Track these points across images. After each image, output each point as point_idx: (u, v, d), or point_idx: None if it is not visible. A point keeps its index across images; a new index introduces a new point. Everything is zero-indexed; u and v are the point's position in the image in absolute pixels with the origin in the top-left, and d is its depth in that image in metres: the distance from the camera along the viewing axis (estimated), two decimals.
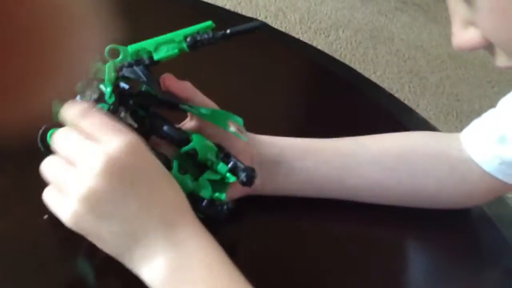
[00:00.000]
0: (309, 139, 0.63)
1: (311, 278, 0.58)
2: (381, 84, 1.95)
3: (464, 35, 0.43)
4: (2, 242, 0.53)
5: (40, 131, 0.54)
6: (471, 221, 0.68)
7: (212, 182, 0.55)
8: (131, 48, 0.54)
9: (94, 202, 0.45)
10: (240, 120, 0.57)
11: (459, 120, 1.91)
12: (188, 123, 0.58)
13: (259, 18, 2.11)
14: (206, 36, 0.53)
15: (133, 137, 0.47)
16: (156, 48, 0.54)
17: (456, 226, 0.67)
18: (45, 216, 0.55)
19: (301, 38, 2.08)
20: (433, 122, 1.86)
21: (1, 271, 0.52)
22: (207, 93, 0.58)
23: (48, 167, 0.49)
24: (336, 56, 2.04)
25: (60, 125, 0.53)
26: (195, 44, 0.53)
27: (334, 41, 2.10)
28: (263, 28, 0.96)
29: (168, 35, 0.54)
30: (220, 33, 0.54)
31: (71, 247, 0.55)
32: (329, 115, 0.79)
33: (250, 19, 1.06)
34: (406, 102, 1.91)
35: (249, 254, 0.58)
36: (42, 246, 0.54)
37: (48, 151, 0.53)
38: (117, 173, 0.45)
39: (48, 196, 0.49)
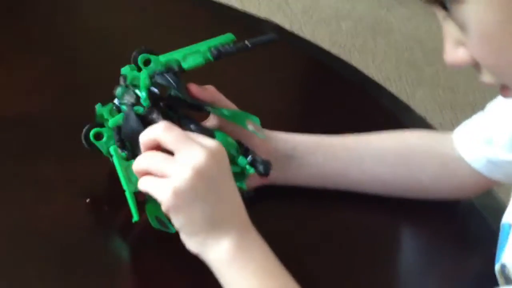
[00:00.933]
0: (318, 136, 0.69)
1: (307, 255, 0.64)
2: (378, 74, 2.03)
3: (455, 54, 0.46)
4: (47, 225, 0.60)
5: (84, 130, 0.60)
6: (460, 211, 0.75)
7: (233, 174, 0.62)
8: (163, 57, 0.61)
9: (194, 183, 0.52)
10: (257, 119, 0.63)
11: (454, 111, 1.94)
12: (210, 122, 0.65)
13: (262, 8, 2.17)
14: (229, 48, 0.61)
15: (216, 148, 0.54)
16: (184, 58, 0.61)
17: (446, 216, 0.73)
18: (87, 200, 0.62)
19: (303, 28, 2.14)
20: (428, 113, 1.94)
21: (47, 252, 0.58)
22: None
23: (144, 163, 0.55)
24: (336, 45, 2.10)
25: (101, 125, 0.60)
26: (219, 55, 0.61)
27: (335, 32, 2.15)
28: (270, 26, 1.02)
29: (194, 46, 0.61)
30: (241, 45, 0.61)
31: (109, 229, 0.62)
32: (332, 112, 0.85)
33: (252, 17, 1.12)
34: (402, 93, 1.99)
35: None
36: (87, 228, 0.61)
37: (90, 147, 0.60)
38: (204, 176, 0.53)
39: (146, 182, 0.54)
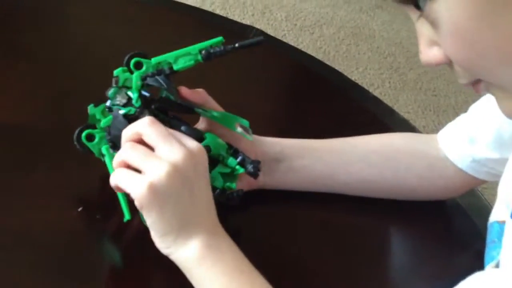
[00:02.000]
0: (306, 140, 0.71)
1: (300, 256, 0.66)
2: (363, 80, 2.06)
3: (429, 53, 0.47)
4: (39, 232, 0.60)
5: (76, 131, 0.61)
6: (446, 210, 0.76)
7: (223, 175, 0.63)
8: (154, 60, 0.62)
9: (170, 181, 0.53)
10: (246, 122, 0.64)
11: (436, 114, 1.97)
12: (200, 125, 0.66)
13: (246, 16, 2.18)
14: (218, 49, 0.62)
15: (196, 149, 0.56)
16: (176, 60, 0.62)
17: (432, 215, 0.74)
18: (80, 209, 0.63)
19: (287, 35, 2.15)
20: (411, 116, 1.97)
21: (41, 258, 0.58)
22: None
23: (123, 154, 0.55)
24: (320, 52, 2.12)
25: (93, 126, 0.61)
26: (208, 56, 0.62)
27: (318, 38, 2.18)
28: (255, 33, 1.04)
29: (185, 49, 0.62)
30: (230, 46, 0.62)
31: (102, 235, 0.63)
32: (318, 116, 0.86)
33: (238, 23, 1.13)
34: (386, 97, 2.02)
35: (252, 237, 0.66)
36: (77, 234, 0.62)
37: (83, 150, 0.61)
38: (181, 176, 0.54)
39: (119, 175, 0.55)
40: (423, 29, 0.46)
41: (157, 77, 0.62)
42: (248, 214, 0.68)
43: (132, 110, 0.61)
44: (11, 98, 0.75)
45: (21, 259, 0.58)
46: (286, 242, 0.67)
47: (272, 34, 2.04)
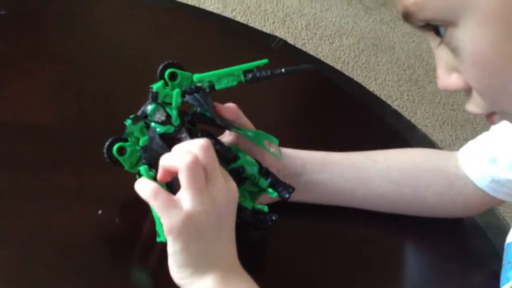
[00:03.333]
0: (326, 153, 0.71)
1: (314, 269, 0.66)
2: (381, 92, 2.05)
3: (448, 79, 0.46)
4: (61, 234, 0.61)
5: (107, 144, 0.59)
6: (463, 228, 0.76)
7: (249, 193, 0.63)
8: (196, 77, 0.61)
9: (201, 220, 0.52)
10: (276, 140, 0.64)
11: (454, 129, 1.96)
12: (227, 137, 0.66)
13: (267, 24, 2.19)
14: (264, 74, 0.61)
15: (233, 189, 0.55)
16: (219, 79, 0.61)
17: (449, 233, 0.74)
18: (100, 212, 0.63)
19: (306, 44, 2.16)
20: (429, 130, 1.96)
21: (59, 258, 0.59)
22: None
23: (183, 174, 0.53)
24: (339, 62, 2.12)
25: (125, 139, 0.60)
26: (253, 79, 0.61)
27: (337, 48, 2.18)
28: (278, 42, 1.04)
29: (229, 69, 0.61)
30: (277, 72, 0.61)
31: (123, 238, 0.63)
32: (338, 128, 0.86)
33: (259, 32, 1.13)
34: (404, 110, 2.01)
35: (265, 250, 0.67)
36: (96, 237, 0.62)
37: (111, 161, 0.60)
38: (216, 213, 0.54)
39: (159, 195, 0.53)
40: (443, 54, 0.46)
41: (196, 95, 0.60)
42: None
43: (171, 129, 0.59)
44: (38, 100, 0.76)
45: (39, 259, 0.59)
46: (301, 255, 0.67)
47: (291, 42, 2.05)
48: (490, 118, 0.48)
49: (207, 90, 0.61)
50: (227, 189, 0.54)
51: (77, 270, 0.59)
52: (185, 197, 0.52)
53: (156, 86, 0.60)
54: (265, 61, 0.62)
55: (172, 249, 0.53)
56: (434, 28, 0.44)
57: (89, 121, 0.73)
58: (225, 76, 0.61)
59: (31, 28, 0.88)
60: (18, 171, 0.66)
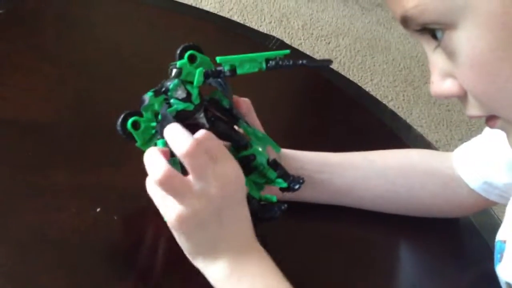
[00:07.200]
0: (325, 154, 0.71)
1: (311, 268, 0.66)
2: (376, 92, 2.06)
3: (442, 85, 0.46)
4: (58, 232, 0.61)
5: (121, 117, 0.57)
6: (458, 227, 0.76)
7: (255, 184, 0.62)
8: (219, 59, 0.59)
9: (197, 212, 0.52)
10: (279, 149, 0.64)
11: (449, 129, 1.97)
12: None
13: (264, 23, 2.19)
14: (286, 62, 0.60)
15: (238, 171, 0.54)
16: (241, 64, 0.59)
17: (444, 232, 0.75)
18: (98, 209, 0.64)
19: (303, 44, 2.17)
20: (424, 130, 1.97)
21: (57, 256, 0.59)
22: None
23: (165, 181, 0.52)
24: (336, 63, 2.13)
25: (139, 114, 0.58)
26: (275, 67, 0.60)
27: (334, 48, 2.18)
28: (276, 42, 1.04)
29: (251, 55, 0.60)
30: (298, 62, 0.60)
31: (121, 236, 0.63)
32: (335, 128, 0.87)
33: (256, 31, 1.13)
34: (400, 110, 2.02)
35: (269, 250, 0.67)
36: (94, 235, 0.62)
37: (126, 137, 0.57)
38: (224, 197, 0.53)
39: (156, 194, 0.54)
40: (437, 59, 0.45)
41: (219, 79, 0.59)
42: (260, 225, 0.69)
43: (190, 107, 0.58)
44: (35, 99, 0.76)
45: (37, 256, 0.59)
46: (299, 254, 0.67)
47: (288, 42, 2.06)
48: (490, 120, 0.47)
49: (228, 74, 0.59)
50: (235, 168, 0.54)
51: (75, 268, 0.59)
52: (191, 184, 0.52)
53: (180, 62, 0.59)
54: (286, 51, 0.60)
55: (179, 241, 0.55)
56: (431, 32, 0.44)
57: (88, 119, 0.73)
58: (247, 62, 0.59)
59: (29, 27, 0.89)
60: (17, 168, 0.66)
